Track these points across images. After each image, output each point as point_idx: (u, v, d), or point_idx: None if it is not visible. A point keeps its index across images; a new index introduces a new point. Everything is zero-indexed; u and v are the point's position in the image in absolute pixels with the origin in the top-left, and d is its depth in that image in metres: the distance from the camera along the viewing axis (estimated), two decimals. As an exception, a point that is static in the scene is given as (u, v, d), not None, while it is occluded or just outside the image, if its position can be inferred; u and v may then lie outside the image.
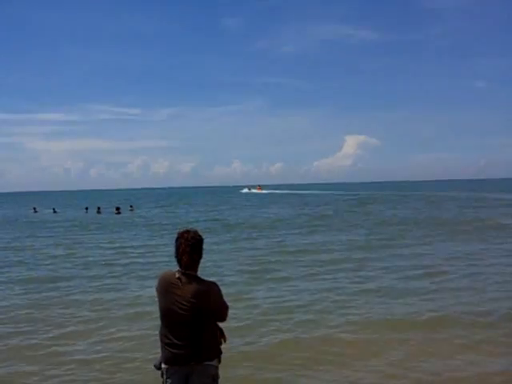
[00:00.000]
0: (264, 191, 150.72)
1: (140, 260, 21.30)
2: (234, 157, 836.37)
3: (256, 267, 18.86)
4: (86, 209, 62.96)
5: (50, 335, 11.00)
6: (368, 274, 16.83)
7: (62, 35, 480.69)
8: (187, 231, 4.91)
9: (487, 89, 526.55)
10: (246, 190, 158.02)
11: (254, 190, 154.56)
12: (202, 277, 4.88)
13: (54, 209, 64.91)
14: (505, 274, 16.39)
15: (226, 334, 5.03)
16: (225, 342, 5.03)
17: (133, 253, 23.87)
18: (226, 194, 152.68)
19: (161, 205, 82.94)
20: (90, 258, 22.39)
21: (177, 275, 4.77)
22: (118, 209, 56.70)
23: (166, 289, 4.80)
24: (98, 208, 59.45)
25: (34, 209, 66.46)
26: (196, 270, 4.86)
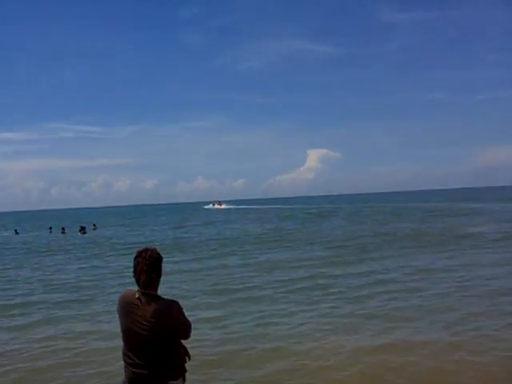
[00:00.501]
0: (224, 206, 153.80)
1: (109, 282, 20.65)
2: (197, 173, 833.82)
3: (226, 286, 18.36)
4: (50, 229, 62.08)
5: (14, 376, 9.98)
6: (338, 292, 16.54)
7: (19, 53, 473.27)
8: (146, 249, 4.85)
9: (445, 100, 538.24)
10: (210, 206, 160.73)
11: (220, 206, 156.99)
12: (164, 296, 4.83)
13: (15, 230, 63.76)
14: (468, 287, 16.44)
15: (189, 351, 5.00)
16: (189, 359, 5.00)
17: (100, 274, 23.29)
18: (190, 210, 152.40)
19: (125, 223, 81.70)
20: (56, 281, 21.78)
21: (137, 295, 4.72)
22: (83, 228, 55.92)
23: (127, 309, 4.76)
24: (63, 228, 58.54)
25: (-5, 231, 65.45)
26: (156, 289, 4.82)
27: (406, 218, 54.40)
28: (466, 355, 10.01)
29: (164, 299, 4.81)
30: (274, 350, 10.82)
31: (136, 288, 4.79)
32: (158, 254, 4.89)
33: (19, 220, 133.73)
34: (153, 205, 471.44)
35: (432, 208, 76.18)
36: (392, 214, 66.22)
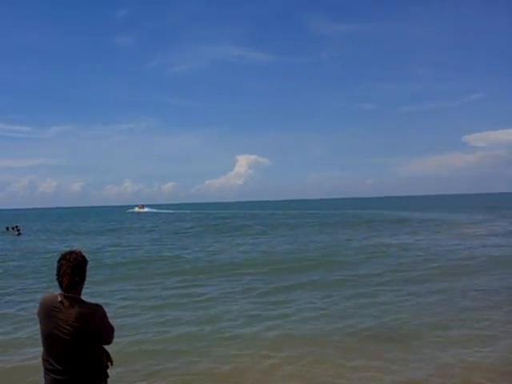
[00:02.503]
0: (146, 210, 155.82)
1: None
2: (125, 176, 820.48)
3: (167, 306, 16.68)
4: None
5: None
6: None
7: None
8: (70, 252, 4.75)
9: (374, 111, 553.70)
10: (133, 210, 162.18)
11: (142, 209, 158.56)
12: (88, 300, 4.74)
13: None
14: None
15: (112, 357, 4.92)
16: (111, 365, 4.91)
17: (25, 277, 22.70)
18: (117, 214, 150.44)
19: (50, 227, 78.49)
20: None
21: (59, 298, 4.59)
22: (17, 229, 54.21)
23: (48, 313, 4.61)
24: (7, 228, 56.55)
25: None
26: (79, 293, 4.72)
27: (325, 229, 54.88)
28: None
29: (87, 303, 4.71)
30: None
31: (59, 291, 4.67)
32: (83, 257, 4.80)
33: None
34: (79, 207, 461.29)
35: (360, 215, 77.62)
36: (316, 223, 66.96)
